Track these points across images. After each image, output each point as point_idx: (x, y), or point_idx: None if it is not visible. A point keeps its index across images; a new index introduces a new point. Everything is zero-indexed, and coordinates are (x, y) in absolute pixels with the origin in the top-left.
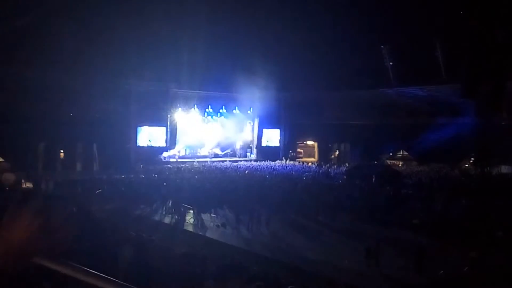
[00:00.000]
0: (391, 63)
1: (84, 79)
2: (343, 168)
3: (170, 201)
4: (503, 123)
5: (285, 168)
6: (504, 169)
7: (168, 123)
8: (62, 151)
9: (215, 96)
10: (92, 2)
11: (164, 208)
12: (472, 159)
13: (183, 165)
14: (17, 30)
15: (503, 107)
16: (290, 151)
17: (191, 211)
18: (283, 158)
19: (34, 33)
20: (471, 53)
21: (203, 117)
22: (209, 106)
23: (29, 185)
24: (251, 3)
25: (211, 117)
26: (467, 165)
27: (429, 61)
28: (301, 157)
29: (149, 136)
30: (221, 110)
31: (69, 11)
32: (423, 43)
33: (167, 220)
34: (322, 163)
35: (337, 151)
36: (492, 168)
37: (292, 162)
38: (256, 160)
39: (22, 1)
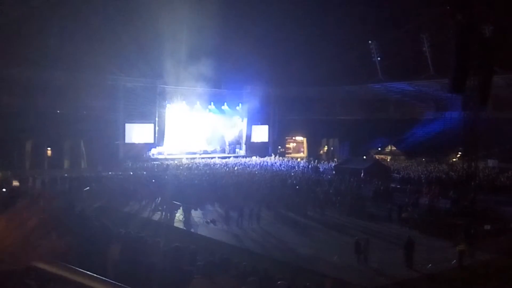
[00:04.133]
0: (379, 59)
1: (71, 76)
2: (332, 164)
3: (159, 198)
4: (490, 117)
5: (274, 164)
6: (490, 162)
7: (156, 119)
8: (49, 148)
9: (204, 92)
10: None
11: (153, 205)
12: (460, 153)
13: (172, 162)
14: (3, 27)
15: (490, 101)
16: (279, 147)
17: (181, 208)
18: (272, 154)
19: (19, 31)
20: (458, 48)
21: (192, 114)
22: (198, 103)
23: (16, 183)
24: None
25: (200, 113)
26: (454, 159)
27: (417, 56)
28: (290, 153)
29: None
30: (209, 106)
31: (55, 8)
32: (411, 39)
33: (156, 217)
34: (311, 158)
35: (326, 146)
36: (479, 162)
37: (281, 158)
38: (245, 156)
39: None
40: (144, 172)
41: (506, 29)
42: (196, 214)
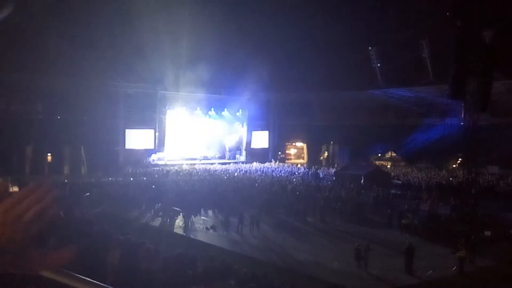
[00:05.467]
0: (378, 64)
1: (71, 82)
2: (332, 169)
3: (159, 204)
4: (490, 123)
5: (275, 170)
6: (491, 169)
7: (157, 125)
8: (49, 154)
9: (204, 98)
10: (79, 5)
11: (153, 211)
12: (460, 159)
13: (172, 168)
14: (3, 33)
15: (490, 107)
16: (279, 152)
17: (180, 214)
18: (272, 160)
19: (21, 36)
20: (458, 54)
21: (192, 119)
22: (198, 108)
23: (15, 189)
24: (240, 5)
25: (200, 119)
26: (454, 166)
27: (417, 62)
28: (291, 159)
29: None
30: (210, 112)
31: (56, 14)
32: (411, 45)
33: (156, 223)
34: (311, 164)
35: (326, 152)
36: (479, 168)
37: (281, 163)
38: (245, 162)
39: (6, 4)
40: (144, 178)
41: (505, 35)
42: (196, 220)
